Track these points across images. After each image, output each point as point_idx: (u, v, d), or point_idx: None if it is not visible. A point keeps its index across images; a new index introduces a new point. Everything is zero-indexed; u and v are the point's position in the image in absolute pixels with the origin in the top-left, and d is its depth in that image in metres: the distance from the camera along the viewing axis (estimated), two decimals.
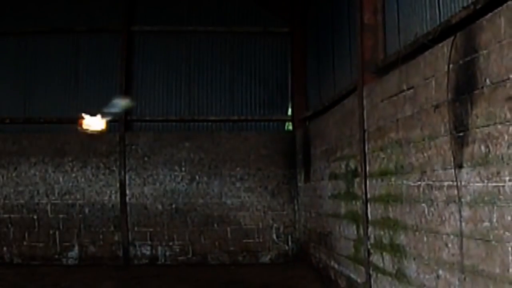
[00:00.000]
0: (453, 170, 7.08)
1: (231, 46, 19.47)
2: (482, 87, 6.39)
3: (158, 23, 19.23)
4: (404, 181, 9.01)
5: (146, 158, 18.65)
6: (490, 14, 6.29)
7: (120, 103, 15.55)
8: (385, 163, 10.02)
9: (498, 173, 6.05)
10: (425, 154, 8.11)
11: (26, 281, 15.55)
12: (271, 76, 19.49)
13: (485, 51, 6.36)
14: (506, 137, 5.90)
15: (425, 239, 8.14)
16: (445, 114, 7.35)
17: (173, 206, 18.56)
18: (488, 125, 6.27)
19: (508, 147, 5.85)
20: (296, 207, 18.79)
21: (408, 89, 8.80)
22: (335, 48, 15.07)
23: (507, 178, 5.85)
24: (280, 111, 19.66)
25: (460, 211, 6.91)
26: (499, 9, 6.09)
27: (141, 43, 19.21)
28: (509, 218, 5.82)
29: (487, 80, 6.29)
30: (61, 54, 18.95)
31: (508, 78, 5.83)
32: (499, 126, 6.03)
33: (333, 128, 14.25)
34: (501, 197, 5.97)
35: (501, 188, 5.97)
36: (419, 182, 8.35)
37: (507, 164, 5.86)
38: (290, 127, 19.61)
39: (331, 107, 14.59)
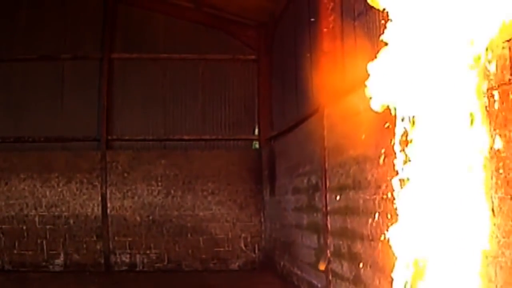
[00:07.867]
0: None
1: (203, 72, 19.32)
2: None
3: (136, 51, 19.05)
4: (361, 195, 8.90)
5: (125, 174, 18.44)
6: None
7: None
8: (344, 178, 9.92)
9: None
10: (380, 170, 7.99)
11: (16, 286, 15.49)
12: (240, 99, 19.37)
13: None
14: None
15: (379, 247, 8.02)
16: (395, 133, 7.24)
17: (150, 217, 18.33)
18: None
19: None
20: (262, 219, 18.63)
21: (365, 110, 8.69)
22: (298, 73, 14.99)
23: None
24: (247, 131, 19.54)
25: None
26: None
27: (121, 69, 19.01)
28: None
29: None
30: (47, 79, 18.70)
31: None
32: None
33: (296, 146, 14.15)
34: None
35: None
36: (375, 196, 8.23)
37: None
38: (257, 146, 19.46)
39: (295, 127, 14.51)
